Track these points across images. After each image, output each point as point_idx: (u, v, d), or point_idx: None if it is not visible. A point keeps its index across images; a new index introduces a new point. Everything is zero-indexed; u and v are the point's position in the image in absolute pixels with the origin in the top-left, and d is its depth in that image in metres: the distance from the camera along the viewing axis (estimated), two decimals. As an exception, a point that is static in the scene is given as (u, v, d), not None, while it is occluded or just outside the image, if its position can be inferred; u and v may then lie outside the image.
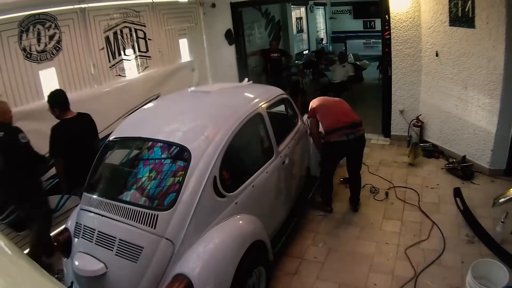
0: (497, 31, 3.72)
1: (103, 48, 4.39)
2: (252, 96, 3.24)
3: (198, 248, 2.23)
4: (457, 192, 3.52)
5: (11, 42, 3.38)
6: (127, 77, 4.73)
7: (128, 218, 2.25)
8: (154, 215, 2.21)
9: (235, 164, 2.75)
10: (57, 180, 3.72)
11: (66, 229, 2.67)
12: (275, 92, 3.54)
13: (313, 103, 3.81)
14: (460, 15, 4.17)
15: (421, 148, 4.99)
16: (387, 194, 4.09)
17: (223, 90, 3.48)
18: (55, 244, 2.66)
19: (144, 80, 4.94)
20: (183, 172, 2.33)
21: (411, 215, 3.69)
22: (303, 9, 11.54)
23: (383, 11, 5.09)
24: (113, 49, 4.53)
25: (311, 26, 11.97)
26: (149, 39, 5.06)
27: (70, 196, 3.89)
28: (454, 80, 4.54)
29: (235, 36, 6.35)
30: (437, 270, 2.92)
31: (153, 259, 2.16)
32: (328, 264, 3.14)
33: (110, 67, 4.49)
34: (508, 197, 2.76)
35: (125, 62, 4.68)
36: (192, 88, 3.93)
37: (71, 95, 3.88)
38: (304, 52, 11.30)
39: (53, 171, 3.69)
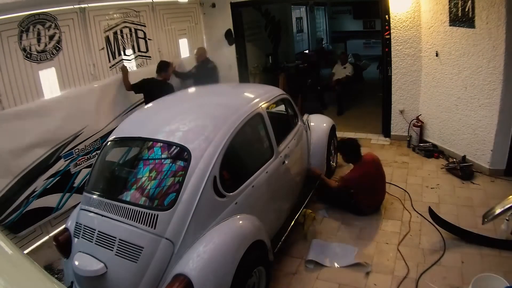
0: (497, 31, 3.72)
1: (103, 48, 4.38)
2: (252, 96, 3.23)
3: (198, 248, 2.23)
4: (431, 212, 3.43)
5: (11, 42, 3.38)
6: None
7: (128, 218, 2.25)
8: (154, 215, 2.21)
9: (235, 164, 2.75)
10: (57, 178, 3.76)
11: (66, 229, 2.67)
12: (275, 92, 3.54)
13: (354, 174, 3.69)
14: (460, 15, 4.17)
15: (421, 148, 5.02)
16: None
17: (223, 90, 3.48)
18: (55, 244, 2.66)
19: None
20: (183, 172, 2.33)
21: (411, 215, 3.69)
22: (303, 9, 11.53)
23: (383, 11, 5.09)
24: (113, 49, 4.53)
25: (311, 26, 11.97)
26: (149, 39, 5.06)
27: (70, 195, 3.90)
28: (454, 80, 4.54)
29: (235, 36, 6.35)
30: (437, 270, 2.92)
31: (153, 259, 2.16)
32: (328, 264, 3.14)
33: (110, 67, 4.49)
34: (496, 214, 2.76)
35: (125, 62, 4.68)
36: (192, 89, 3.94)
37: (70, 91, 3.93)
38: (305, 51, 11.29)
39: (53, 170, 3.71)
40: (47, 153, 3.64)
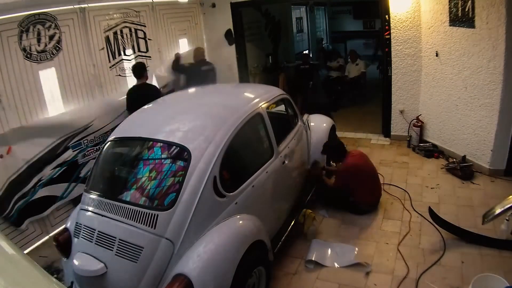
0: (497, 31, 3.72)
1: (103, 48, 4.39)
2: (252, 96, 3.23)
3: (198, 248, 2.23)
4: (431, 212, 3.44)
5: (11, 42, 3.38)
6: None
7: (128, 218, 2.25)
8: (154, 215, 2.21)
9: (235, 164, 2.75)
10: (64, 168, 3.83)
11: (66, 229, 2.67)
12: (275, 92, 3.54)
13: (343, 167, 3.69)
14: (460, 15, 4.17)
15: (421, 148, 5.02)
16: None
17: (223, 90, 3.48)
18: (55, 244, 2.66)
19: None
20: (183, 172, 2.33)
21: (411, 215, 3.69)
22: (303, 9, 11.53)
23: (383, 11, 5.09)
24: (113, 49, 4.53)
25: (311, 26, 11.96)
26: (149, 39, 5.06)
27: (77, 183, 3.94)
28: (454, 80, 4.54)
29: (235, 36, 6.35)
30: (437, 270, 2.92)
31: (153, 259, 2.16)
32: (328, 264, 3.13)
33: (110, 67, 4.49)
34: (496, 214, 2.76)
35: (125, 62, 4.68)
36: (192, 89, 3.94)
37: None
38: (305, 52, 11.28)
39: (60, 159, 3.76)
40: (55, 143, 3.70)
